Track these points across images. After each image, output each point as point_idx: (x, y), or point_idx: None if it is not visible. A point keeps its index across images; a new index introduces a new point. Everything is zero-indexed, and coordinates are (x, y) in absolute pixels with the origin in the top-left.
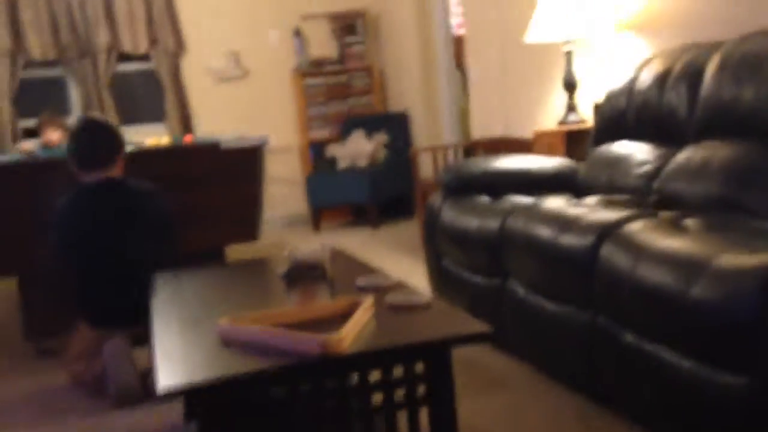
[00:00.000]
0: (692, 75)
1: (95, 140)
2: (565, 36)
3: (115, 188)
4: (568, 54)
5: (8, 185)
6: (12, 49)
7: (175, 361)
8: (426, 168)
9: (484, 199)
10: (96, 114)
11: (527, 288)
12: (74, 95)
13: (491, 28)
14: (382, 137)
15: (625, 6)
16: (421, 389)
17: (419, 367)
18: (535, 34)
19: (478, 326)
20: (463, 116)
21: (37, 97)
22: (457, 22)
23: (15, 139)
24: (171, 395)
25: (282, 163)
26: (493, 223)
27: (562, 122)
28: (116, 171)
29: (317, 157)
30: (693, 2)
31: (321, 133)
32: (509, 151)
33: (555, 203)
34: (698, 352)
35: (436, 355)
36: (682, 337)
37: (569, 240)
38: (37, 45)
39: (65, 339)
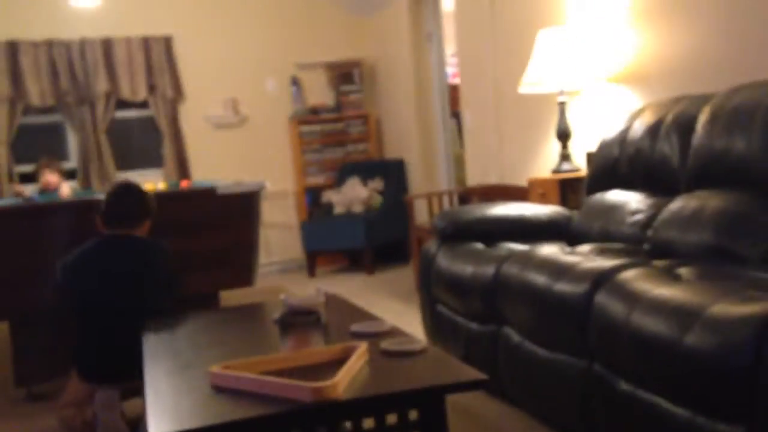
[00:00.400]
0: (684, 125)
1: (129, 202)
2: (558, 87)
3: (133, 244)
4: (562, 104)
5: (2, 229)
6: (11, 95)
7: (165, 407)
8: (421, 214)
9: (479, 245)
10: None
11: (522, 335)
12: (72, 141)
13: (486, 78)
14: (377, 183)
15: (616, 58)
16: None
17: (413, 414)
18: (528, 85)
19: (473, 374)
20: (459, 163)
21: (35, 143)
22: (452, 71)
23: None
24: None
25: (278, 209)
26: (488, 270)
27: (556, 171)
28: (139, 233)
29: (313, 202)
30: (683, 55)
31: (317, 179)
32: (504, 199)
33: (549, 251)
34: (693, 401)
35: (431, 402)
36: (676, 386)
37: (564, 287)
38: (36, 91)
39: (57, 384)
